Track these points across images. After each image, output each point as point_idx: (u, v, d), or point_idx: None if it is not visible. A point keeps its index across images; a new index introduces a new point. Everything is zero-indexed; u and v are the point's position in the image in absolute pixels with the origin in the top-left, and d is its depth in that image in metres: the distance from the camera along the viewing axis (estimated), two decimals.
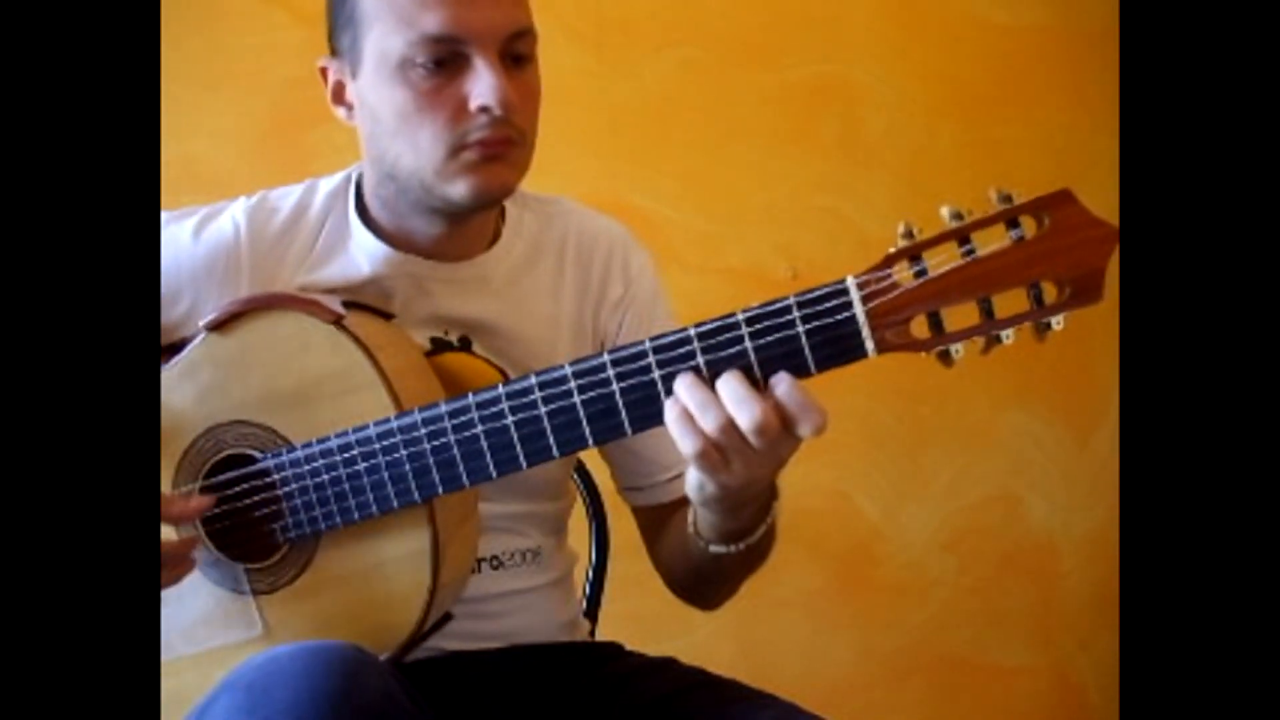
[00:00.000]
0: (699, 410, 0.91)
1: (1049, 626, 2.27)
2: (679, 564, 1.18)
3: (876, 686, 2.19)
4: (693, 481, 0.97)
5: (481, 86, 1.04)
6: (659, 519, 1.23)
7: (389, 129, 1.08)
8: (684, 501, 1.20)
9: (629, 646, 1.27)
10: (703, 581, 1.17)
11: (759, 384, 0.92)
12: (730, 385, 0.91)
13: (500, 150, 1.07)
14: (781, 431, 0.90)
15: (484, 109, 1.04)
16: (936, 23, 2.16)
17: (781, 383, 0.91)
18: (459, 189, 1.07)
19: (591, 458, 1.35)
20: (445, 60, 1.04)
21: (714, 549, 1.05)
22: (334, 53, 1.12)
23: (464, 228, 1.14)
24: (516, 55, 1.07)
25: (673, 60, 2.07)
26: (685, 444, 0.92)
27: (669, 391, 0.94)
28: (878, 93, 2.13)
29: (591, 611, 1.43)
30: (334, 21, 1.11)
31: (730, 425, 0.90)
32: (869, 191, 2.13)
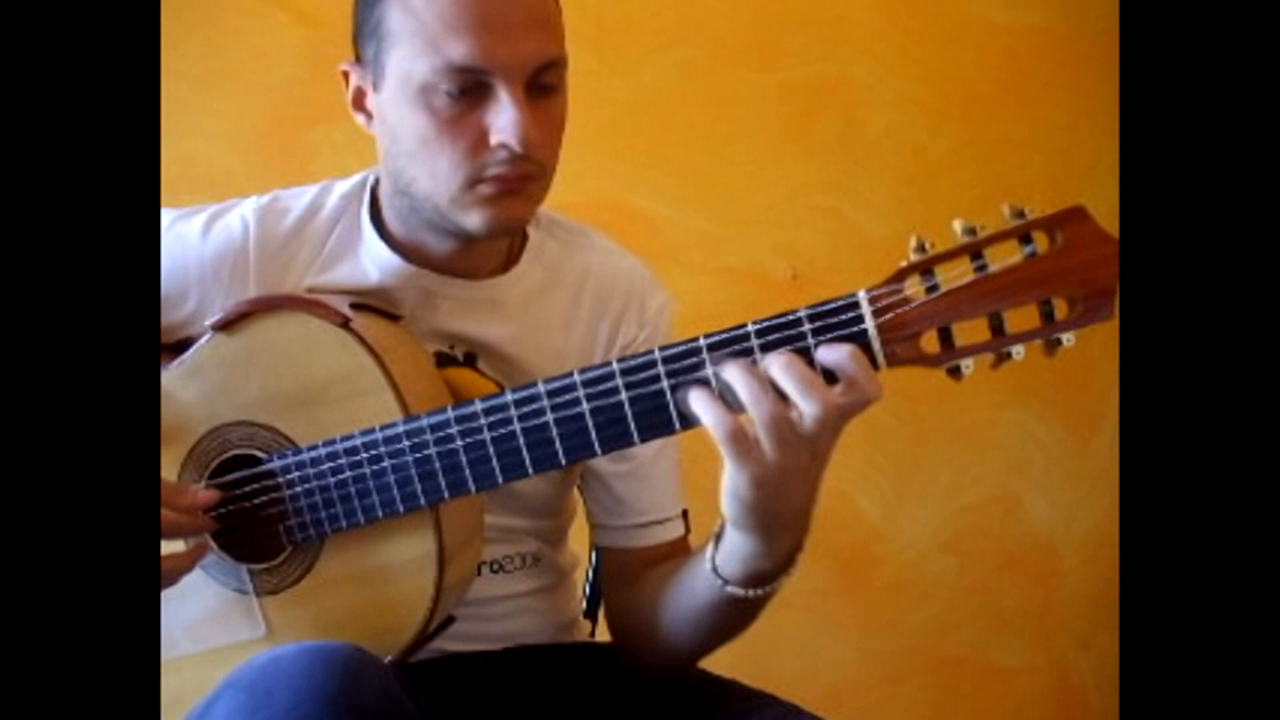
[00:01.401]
0: (752, 400, 0.89)
1: (1049, 626, 2.27)
2: (665, 615, 1.10)
3: (876, 686, 2.19)
4: (727, 485, 0.92)
5: (503, 121, 1.01)
6: (624, 565, 1.20)
7: (407, 150, 1.06)
8: (656, 552, 1.18)
9: None
10: (688, 634, 1.09)
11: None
12: (784, 365, 0.89)
13: (517, 186, 1.05)
14: (840, 417, 0.89)
15: (503, 145, 1.02)
16: (936, 23, 2.16)
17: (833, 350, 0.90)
18: (473, 220, 1.06)
19: None
20: (469, 88, 1.02)
21: (731, 591, 1.00)
22: (357, 58, 1.10)
23: (477, 247, 1.13)
24: (543, 84, 1.04)
25: (673, 60, 2.07)
26: (715, 426, 0.89)
27: (678, 401, 0.93)
28: (878, 93, 2.13)
29: (591, 612, 1.43)
30: (359, 28, 1.08)
31: (780, 414, 0.88)
32: (869, 191, 2.13)
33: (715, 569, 1.01)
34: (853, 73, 2.12)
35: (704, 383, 0.92)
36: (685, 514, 1.22)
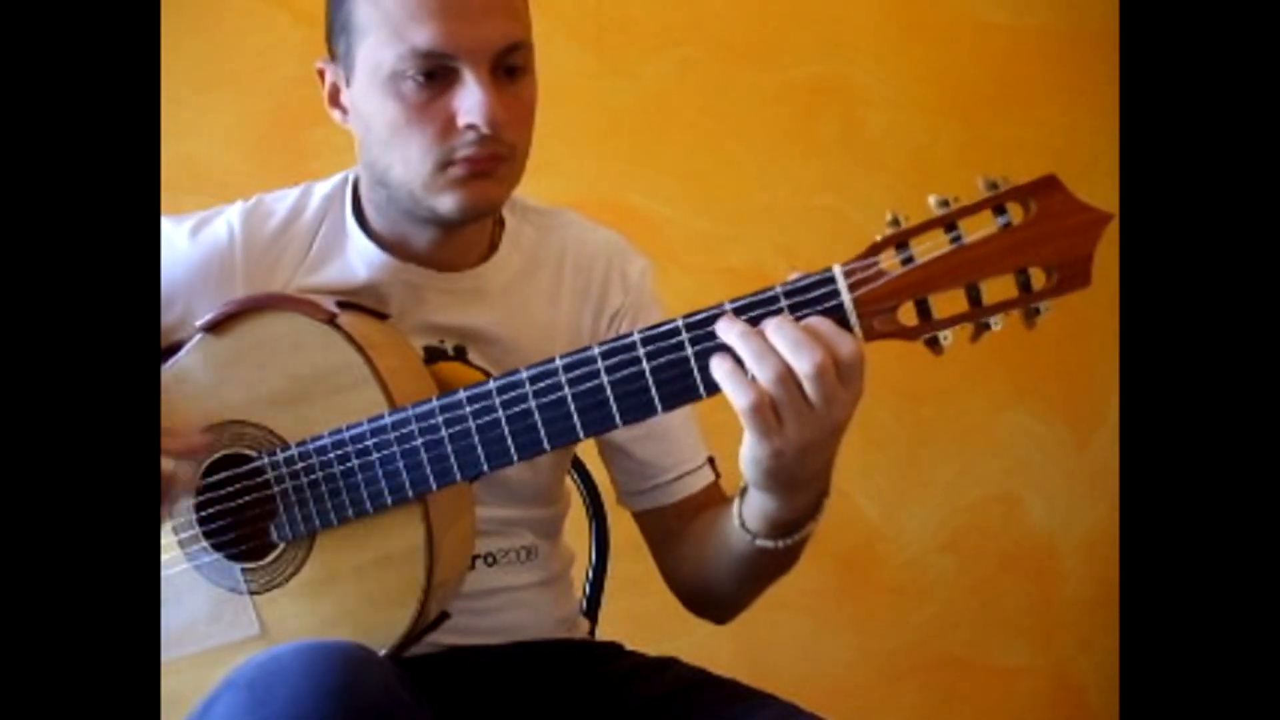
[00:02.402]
0: (755, 360, 0.90)
1: (1049, 626, 2.27)
2: (709, 567, 1.14)
3: (876, 686, 2.19)
4: (747, 455, 0.94)
5: (469, 103, 1.04)
6: (664, 524, 1.22)
7: (380, 139, 1.08)
8: (690, 504, 1.20)
9: (629, 646, 1.27)
10: (733, 584, 1.13)
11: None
12: (784, 331, 0.90)
13: (487, 167, 1.07)
14: (835, 377, 0.89)
15: (471, 126, 1.04)
16: (936, 23, 2.16)
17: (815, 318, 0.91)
18: (445, 203, 1.08)
19: (592, 458, 1.35)
20: (436, 74, 1.04)
21: (760, 544, 1.03)
22: (331, 56, 1.12)
23: (457, 236, 1.15)
24: (510, 68, 1.07)
25: (673, 60, 2.07)
26: (738, 398, 0.90)
27: (659, 383, 0.94)
28: (878, 93, 2.13)
29: (591, 611, 1.43)
30: (331, 26, 1.11)
31: (787, 374, 0.89)
32: (869, 191, 2.13)
33: (743, 525, 1.03)
34: (853, 73, 2.12)
35: (726, 351, 0.92)
36: (711, 461, 1.23)
